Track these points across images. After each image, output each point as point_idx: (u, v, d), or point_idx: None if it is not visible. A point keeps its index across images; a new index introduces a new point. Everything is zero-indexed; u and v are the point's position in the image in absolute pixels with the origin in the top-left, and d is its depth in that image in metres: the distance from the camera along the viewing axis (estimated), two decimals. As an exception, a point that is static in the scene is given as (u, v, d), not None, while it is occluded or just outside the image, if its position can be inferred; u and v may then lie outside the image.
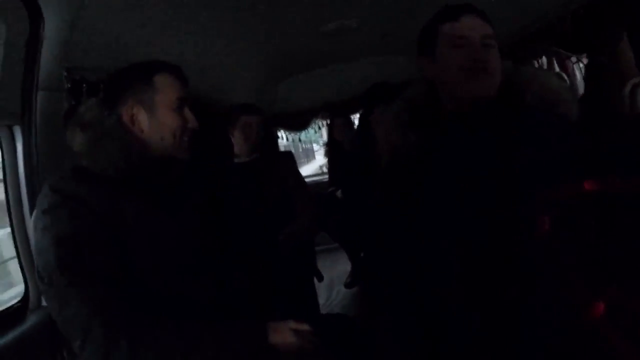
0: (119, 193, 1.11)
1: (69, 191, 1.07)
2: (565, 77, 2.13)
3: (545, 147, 1.04)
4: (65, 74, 1.44)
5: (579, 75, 2.13)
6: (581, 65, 2.06)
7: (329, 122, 4.00)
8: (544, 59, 2.24)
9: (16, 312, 1.36)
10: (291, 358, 1.09)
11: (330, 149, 3.81)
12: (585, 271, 0.91)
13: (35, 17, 1.32)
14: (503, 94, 1.15)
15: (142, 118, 1.19)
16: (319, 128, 4.46)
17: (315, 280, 2.69)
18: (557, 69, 2.17)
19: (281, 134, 4.31)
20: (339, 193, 3.50)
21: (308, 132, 4.50)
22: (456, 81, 1.16)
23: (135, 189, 1.14)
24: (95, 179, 1.11)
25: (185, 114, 1.23)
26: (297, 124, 4.33)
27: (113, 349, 0.98)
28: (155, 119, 1.19)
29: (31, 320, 1.36)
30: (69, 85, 1.45)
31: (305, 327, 1.14)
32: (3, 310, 1.35)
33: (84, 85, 1.46)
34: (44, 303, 1.41)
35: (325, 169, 4.82)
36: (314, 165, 11.00)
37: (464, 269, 1.08)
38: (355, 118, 4.06)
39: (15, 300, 1.40)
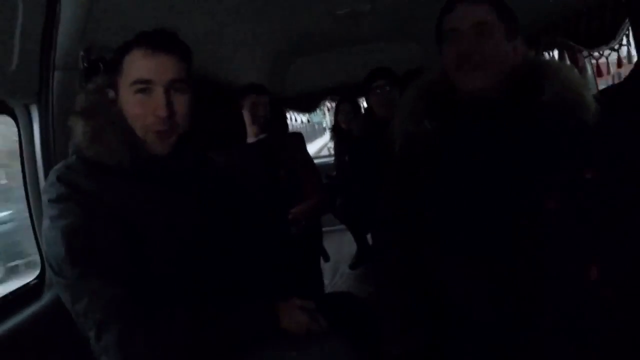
0: (126, 182, 1.08)
1: (76, 183, 1.04)
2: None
3: (560, 152, 1.05)
4: (82, 53, 1.44)
5: (589, 69, 2.11)
6: (592, 60, 2.04)
7: (334, 105, 4.00)
8: (556, 52, 2.21)
9: (33, 289, 1.38)
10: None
11: (336, 134, 3.82)
12: (583, 241, 1.01)
13: (52, -5, 1.32)
14: (521, 84, 1.13)
15: (112, 100, 1.12)
16: (328, 110, 4.45)
17: (321, 260, 2.72)
18: (568, 62, 2.15)
19: (290, 114, 4.30)
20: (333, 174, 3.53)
21: (317, 113, 4.49)
22: (453, 75, 1.16)
23: (141, 175, 1.11)
24: (101, 169, 1.07)
25: (152, 98, 1.07)
26: (306, 105, 4.34)
27: (129, 341, 0.98)
28: (121, 102, 1.10)
29: (47, 297, 1.37)
30: (85, 65, 1.46)
31: (310, 304, 1.15)
32: (20, 288, 1.37)
33: (101, 64, 1.46)
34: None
35: (330, 151, 4.83)
36: (320, 143, 11.04)
37: (476, 250, 1.10)
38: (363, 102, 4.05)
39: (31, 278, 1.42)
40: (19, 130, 1.40)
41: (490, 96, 1.13)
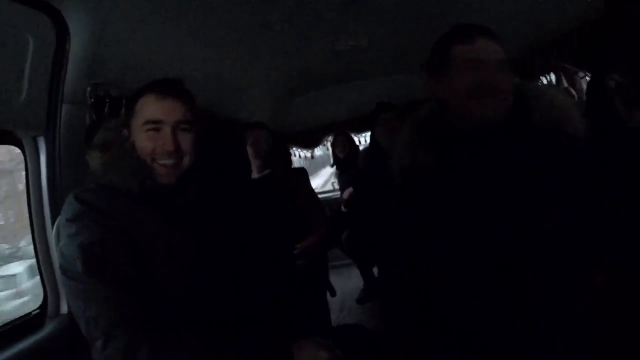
0: (136, 207, 1.15)
1: (91, 202, 1.12)
2: (574, 93, 2.14)
3: (555, 168, 1.07)
4: (89, 89, 1.48)
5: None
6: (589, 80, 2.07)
7: (330, 141, 4.10)
8: (552, 75, 2.25)
9: (35, 319, 1.38)
10: None
11: (337, 165, 3.90)
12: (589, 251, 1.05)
13: (62, 32, 1.38)
14: (512, 112, 1.16)
15: (126, 136, 1.22)
16: (328, 148, 4.52)
17: (328, 295, 2.68)
18: (565, 84, 2.18)
19: (294, 151, 4.36)
20: (342, 208, 3.53)
21: (320, 148, 4.56)
22: (468, 103, 1.16)
23: (150, 202, 1.17)
24: (114, 194, 1.15)
25: (161, 135, 1.18)
26: (309, 141, 4.40)
27: (136, 353, 1.00)
28: (134, 139, 1.20)
29: (49, 327, 1.37)
30: (92, 101, 1.50)
31: (329, 342, 1.14)
32: (22, 317, 1.37)
33: (107, 100, 1.50)
34: (62, 311, 1.43)
35: (334, 185, 4.86)
36: (322, 179, 11.13)
37: (482, 270, 1.10)
38: (361, 136, 4.18)
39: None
40: (25, 162, 1.43)
41: (493, 122, 1.15)
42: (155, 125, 1.18)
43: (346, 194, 3.47)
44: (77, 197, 1.13)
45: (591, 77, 1.62)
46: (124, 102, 1.26)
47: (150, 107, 1.19)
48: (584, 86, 2.10)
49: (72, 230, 1.09)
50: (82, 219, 1.10)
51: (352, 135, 4.06)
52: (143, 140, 1.18)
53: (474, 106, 1.15)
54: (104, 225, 1.09)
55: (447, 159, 1.19)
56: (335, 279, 2.85)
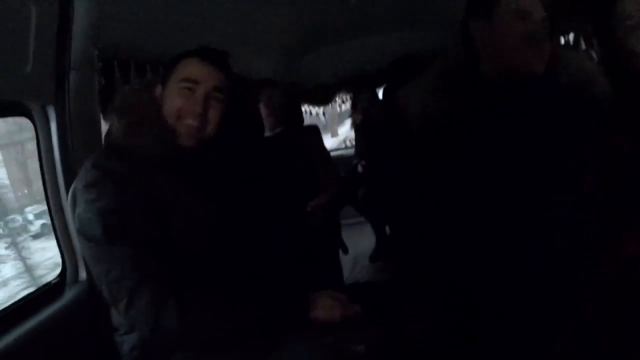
0: (155, 171, 1.16)
1: (109, 168, 1.12)
2: (594, 55, 2.07)
3: (580, 124, 1.08)
4: (97, 53, 1.45)
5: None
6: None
7: (352, 96, 3.97)
8: (571, 35, 2.18)
9: (55, 288, 1.42)
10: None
11: (356, 123, 3.79)
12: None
13: (65, -3, 1.34)
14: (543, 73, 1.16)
15: (159, 95, 1.23)
16: (343, 102, 4.43)
17: (340, 253, 2.72)
18: (584, 46, 2.12)
19: (305, 108, 4.28)
20: (360, 167, 3.51)
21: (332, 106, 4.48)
22: (516, 50, 1.15)
23: (170, 166, 1.18)
24: (132, 157, 1.15)
25: (194, 95, 1.19)
26: (321, 98, 4.32)
27: (162, 309, 1.02)
28: (165, 97, 1.22)
29: (69, 294, 1.41)
30: (101, 65, 1.48)
31: (342, 295, 1.18)
32: (42, 286, 1.41)
33: (116, 63, 1.47)
34: (80, 278, 1.47)
35: (348, 143, 4.82)
36: (338, 139, 11.06)
37: (496, 235, 1.11)
38: (379, 92, 4.01)
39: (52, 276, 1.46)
40: (36, 132, 1.42)
41: (531, 75, 1.16)
42: (191, 84, 1.18)
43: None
44: (94, 163, 1.13)
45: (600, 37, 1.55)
46: (171, 59, 1.24)
47: (191, 68, 1.20)
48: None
49: (91, 196, 1.09)
50: (100, 185, 1.10)
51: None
52: (175, 97, 1.19)
53: (519, 56, 1.15)
54: (123, 191, 1.10)
55: (473, 108, 1.18)
56: (348, 237, 2.88)
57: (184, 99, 1.18)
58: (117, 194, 1.09)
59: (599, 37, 1.25)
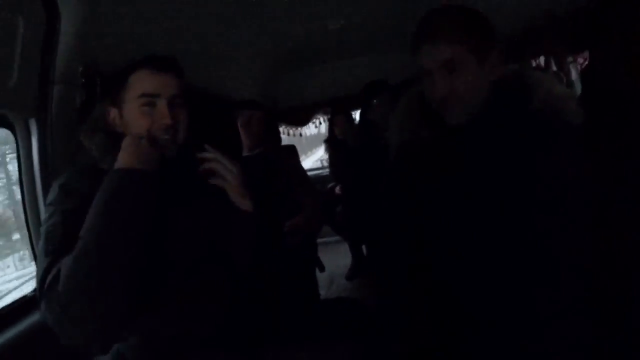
0: None
1: (70, 186, 1.13)
2: (564, 78, 2.15)
3: (551, 152, 1.07)
4: (81, 68, 1.46)
5: (574, 74, 2.15)
6: (578, 65, 2.08)
7: (329, 118, 4.01)
8: (542, 58, 2.25)
9: (31, 301, 1.38)
10: None
11: (331, 146, 3.82)
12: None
13: (52, 12, 1.35)
14: (510, 97, 1.15)
15: (115, 118, 1.22)
16: (319, 124, 4.48)
17: (317, 270, 2.74)
18: (554, 68, 2.19)
19: (282, 129, 4.32)
20: (337, 189, 3.54)
21: (309, 127, 4.52)
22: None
23: None
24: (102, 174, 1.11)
25: (157, 109, 1.18)
26: (299, 119, 4.36)
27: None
28: (124, 118, 1.20)
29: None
30: (83, 80, 1.48)
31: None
32: (18, 300, 1.38)
33: (98, 79, 1.48)
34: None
35: (324, 163, 4.85)
36: (313, 158, 11.09)
37: (472, 258, 1.12)
38: (356, 115, 4.08)
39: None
40: (17, 144, 1.42)
41: (475, 119, 1.14)
42: (151, 99, 1.17)
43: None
44: (59, 183, 1.14)
45: (588, 63, 1.61)
46: (117, 73, 1.23)
47: (146, 81, 1.18)
48: (572, 70, 2.13)
49: (48, 214, 1.10)
50: (54, 204, 1.10)
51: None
52: (138, 117, 1.18)
53: (442, 114, 1.14)
54: (80, 210, 1.06)
55: (444, 137, 1.19)
56: (324, 255, 2.89)
57: (148, 116, 1.17)
58: (65, 212, 1.08)
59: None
